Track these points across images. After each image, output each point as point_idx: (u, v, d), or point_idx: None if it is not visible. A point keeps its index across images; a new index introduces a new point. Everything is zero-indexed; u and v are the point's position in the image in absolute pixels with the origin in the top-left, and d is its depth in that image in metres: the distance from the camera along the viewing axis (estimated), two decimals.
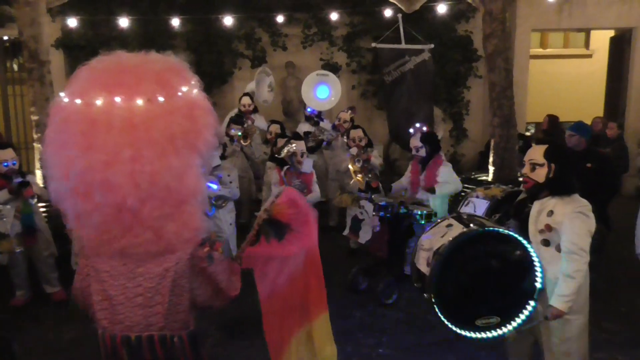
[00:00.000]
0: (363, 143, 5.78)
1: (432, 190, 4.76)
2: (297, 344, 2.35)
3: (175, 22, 8.43)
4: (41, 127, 6.11)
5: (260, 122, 7.11)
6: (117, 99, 1.75)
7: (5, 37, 9.10)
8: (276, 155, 5.41)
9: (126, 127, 1.74)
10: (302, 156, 5.03)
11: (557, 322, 2.85)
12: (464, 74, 9.38)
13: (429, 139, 5.14)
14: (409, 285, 4.76)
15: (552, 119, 8.38)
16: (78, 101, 1.78)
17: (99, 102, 1.75)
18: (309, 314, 2.37)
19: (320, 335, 2.39)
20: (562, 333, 2.88)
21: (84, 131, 1.75)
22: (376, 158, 5.92)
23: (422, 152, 5.05)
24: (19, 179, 4.70)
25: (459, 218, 3.11)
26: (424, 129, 5.45)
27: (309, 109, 7.30)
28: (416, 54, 7.06)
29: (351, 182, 5.41)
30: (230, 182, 4.91)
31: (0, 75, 9.69)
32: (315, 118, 7.15)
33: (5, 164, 4.68)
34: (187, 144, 1.83)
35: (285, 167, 5.01)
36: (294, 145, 5.02)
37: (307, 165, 5.17)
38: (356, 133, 5.85)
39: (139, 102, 1.76)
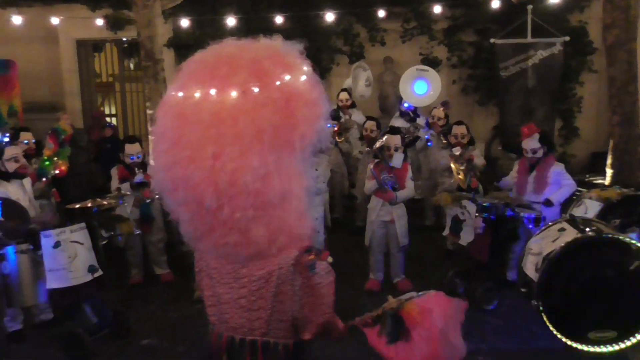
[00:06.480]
0: (465, 140, 5.54)
1: (549, 203, 4.44)
2: None
3: (278, 19, 8.66)
4: (154, 121, 6.51)
5: (357, 117, 7.11)
6: (212, 92, 1.65)
7: (124, 39, 9.89)
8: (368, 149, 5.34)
9: (213, 121, 1.62)
10: (395, 150, 4.83)
11: None
12: (576, 69, 8.68)
13: (547, 140, 4.79)
14: (510, 292, 4.51)
15: None
16: (177, 95, 1.73)
17: (195, 95, 1.66)
18: None
19: None
20: None
21: (175, 126, 1.70)
22: (478, 158, 5.60)
23: (540, 154, 4.71)
24: (139, 179, 5.10)
25: (573, 222, 2.90)
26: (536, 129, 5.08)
27: (405, 104, 7.14)
28: (544, 47, 6.63)
29: (452, 181, 5.20)
30: (317, 177, 4.73)
31: (119, 74, 10.58)
32: (411, 114, 7.00)
33: (132, 157, 5.21)
34: (279, 140, 1.64)
35: (376, 161, 4.91)
36: (384, 137, 4.93)
37: (397, 160, 4.89)
38: (459, 129, 5.60)
39: (233, 94, 1.63)
